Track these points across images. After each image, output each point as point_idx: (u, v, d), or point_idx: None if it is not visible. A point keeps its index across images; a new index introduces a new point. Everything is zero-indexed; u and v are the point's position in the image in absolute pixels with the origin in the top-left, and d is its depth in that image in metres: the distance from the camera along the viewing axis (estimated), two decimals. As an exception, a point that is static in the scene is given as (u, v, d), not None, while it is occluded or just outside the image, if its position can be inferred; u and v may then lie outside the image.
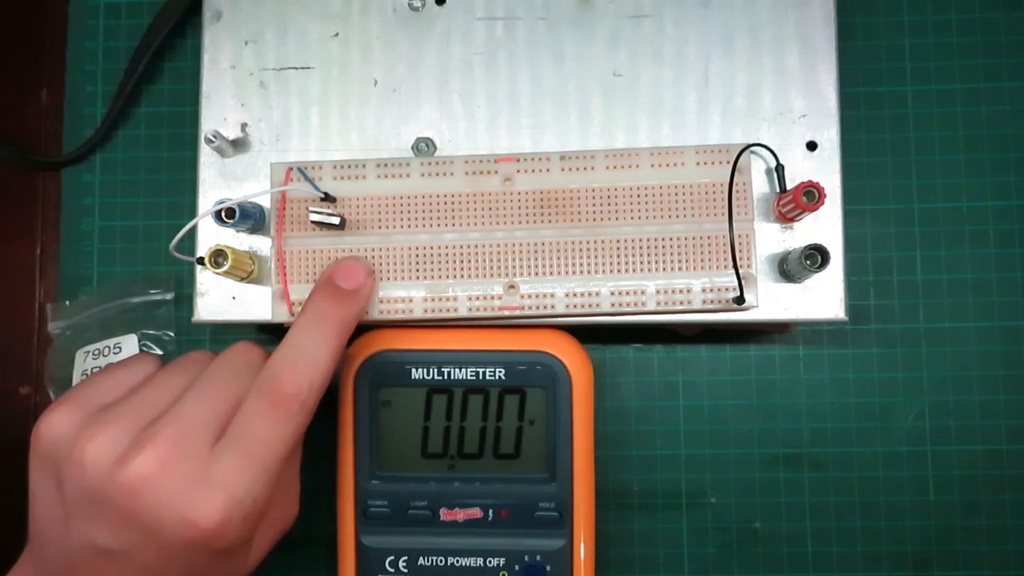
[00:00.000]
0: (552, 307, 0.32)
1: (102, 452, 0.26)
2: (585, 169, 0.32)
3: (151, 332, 0.38)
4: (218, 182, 0.34)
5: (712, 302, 0.32)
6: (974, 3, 0.39)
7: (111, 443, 0.26)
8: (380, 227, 0.32)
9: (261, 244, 0.33)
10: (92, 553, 0.26)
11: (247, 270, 0.32)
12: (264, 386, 0.27)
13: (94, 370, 0.38)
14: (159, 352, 0.38)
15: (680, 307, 0.32)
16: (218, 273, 0.31)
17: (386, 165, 0.33)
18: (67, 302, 0.39)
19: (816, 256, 0.31)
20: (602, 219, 0.32)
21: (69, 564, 0.27)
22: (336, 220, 0.31)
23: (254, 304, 0.33)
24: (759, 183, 0.33)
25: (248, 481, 0.26)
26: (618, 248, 0.32)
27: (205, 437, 0.26)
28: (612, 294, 0.32)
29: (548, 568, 0.33)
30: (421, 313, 0.32)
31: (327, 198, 0.32)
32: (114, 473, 0.25)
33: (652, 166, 0.32)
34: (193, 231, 0.32)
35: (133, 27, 0.40)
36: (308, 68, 0.34)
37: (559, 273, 0.32)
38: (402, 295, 0.32)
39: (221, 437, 0.27)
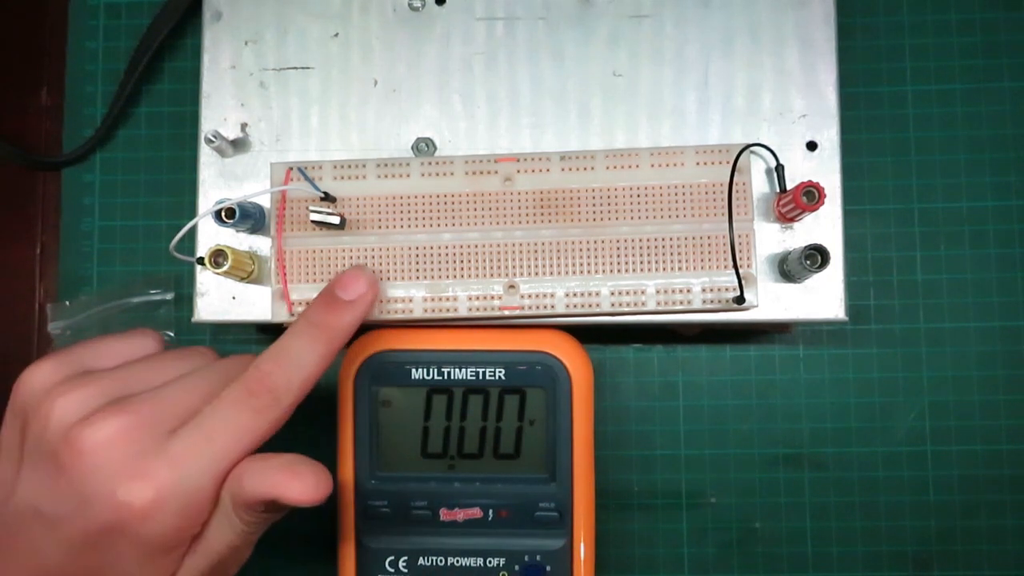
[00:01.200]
0: (552, 307, 0.32)
1: (70, 409, 0.25)
2: (585, 169, 0.32)
3: (151, 332, 0.38)
4: (218, 182, 0.34)
5: (712, 302, 0.32)
6: (974, 3, 0.39)
7: (81, 403, 0.25)
8: (380, 227, 0.32)
9: (261, 244, 0.33)
10: (28, 515, 0.25)
11: (247, 270, 0.32)
12: (244, 376, 0.27)
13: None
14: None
15: (680, 307, 0.32)
16: (218, 273, 0.31)
17: (386, 165, 0.33)
18: (67, 302, 0.39)
19: (816, 256, 0.31)
20: (602, 219, 0.32)
21: (5, 526, 0.26)
22: (336, 220, 0.31)
23: (254, 304, 0.33)
24: (759, 183, 0.33)
25: (197, 464, 0.25)
26: (618, 248, 0.32)
27: (175, 423, 0.26)
28: (612, 294, 0.32)
29: (548, 568, 0.32)
30: (421, 313, 0.32)
31: (327, 198, 0.32)
32: (71, 431, 0.25)
33: (652, 166, 0.32)
34: (193, 231, 0.32)
35: (133, 27, 0.40)
36: (308, 68, 0.34)
37: (559, 273, 0.32)
38: (402, 295, 0.32)
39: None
